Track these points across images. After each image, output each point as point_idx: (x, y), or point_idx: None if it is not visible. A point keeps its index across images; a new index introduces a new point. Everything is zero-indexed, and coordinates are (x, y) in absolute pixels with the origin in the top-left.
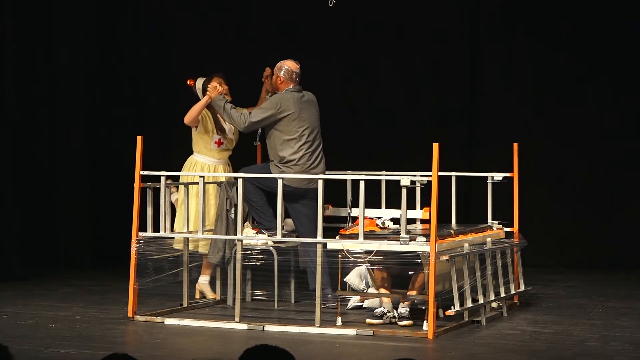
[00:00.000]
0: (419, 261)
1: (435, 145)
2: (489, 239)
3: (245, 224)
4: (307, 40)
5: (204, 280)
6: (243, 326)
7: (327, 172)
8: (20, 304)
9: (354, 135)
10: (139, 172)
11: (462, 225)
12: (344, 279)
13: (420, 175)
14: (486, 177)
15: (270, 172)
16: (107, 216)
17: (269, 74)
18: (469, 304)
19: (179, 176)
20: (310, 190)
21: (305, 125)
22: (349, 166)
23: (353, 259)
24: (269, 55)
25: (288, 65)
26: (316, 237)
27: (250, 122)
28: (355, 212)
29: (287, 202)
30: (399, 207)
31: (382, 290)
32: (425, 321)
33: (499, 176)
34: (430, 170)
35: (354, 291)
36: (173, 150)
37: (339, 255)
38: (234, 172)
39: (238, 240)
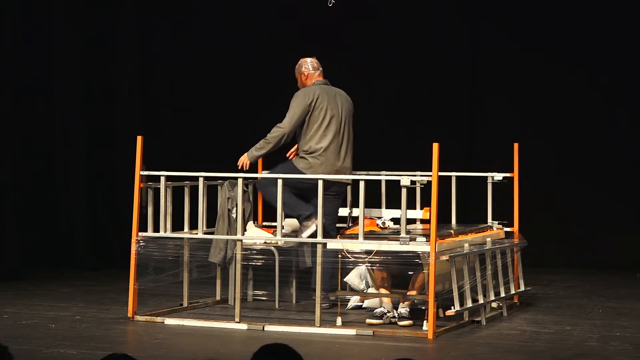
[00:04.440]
0: (419, 261)
1: (435, 145)
2: (489, 239)
3: (249, 223)
4: (305, 41)
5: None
6: (243, 326)
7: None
8: (20, 304)
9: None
10: (139, 172)
11: (462, 225)
12: (344, 279)
13: (420, 175)
14: (486, 177)
15: (293, 169)
16: (107, 216)
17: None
18: (469, 304)
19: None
20: (334, 185)
21: (333, 114)
22: None
23: (353, 259)
24: (268, 55)
25: (302, 62)
26: (316, 237)
27: (288, 123)
28: (355, 212)
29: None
30: (399, 207)
31: (382, 290)
32: (425, 321)
33: (499, 176)
34: (430, 170)
35: (354, 291)
36: (173, 150)
37: (339, 255)
38: None
39: (238, 240)
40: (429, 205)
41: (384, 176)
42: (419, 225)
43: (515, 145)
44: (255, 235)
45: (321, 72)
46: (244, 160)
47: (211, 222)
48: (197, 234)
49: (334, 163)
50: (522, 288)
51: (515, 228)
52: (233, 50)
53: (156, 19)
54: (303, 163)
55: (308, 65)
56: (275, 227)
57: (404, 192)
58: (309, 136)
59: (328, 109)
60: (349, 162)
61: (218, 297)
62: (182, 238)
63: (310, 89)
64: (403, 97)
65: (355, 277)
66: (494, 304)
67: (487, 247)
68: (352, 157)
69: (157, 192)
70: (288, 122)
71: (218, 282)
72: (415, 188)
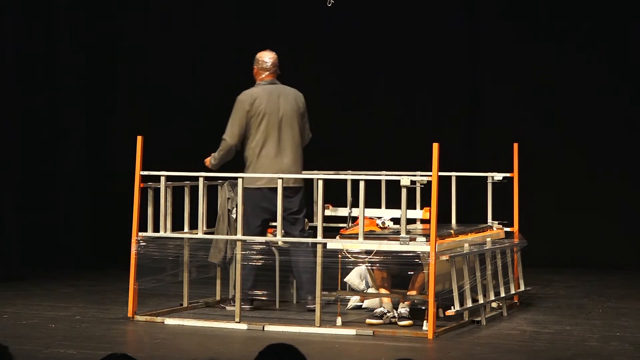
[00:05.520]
0: (419, 261)
1: (435, 145)
2: (489, 239)
3: None
4: (305, 40)
5: None
6: (243, 326)
7: (327, 172)
8: (20, 304)
9: (354, 135)
10: (139, 172)
11: (462, 225)
12: (344, 279)
13: (420, 175)
14: (486, 177)
15: (249, 195)
16: (107, 216)
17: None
18: (469, 304)
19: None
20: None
21: (271, 116)
22: (349, 166)
23: (353, 259)
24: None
25: (260, 56)
26: (316, 237)
27: (230, 135)
28: (355, 212)
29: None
30: (399, 207)
31: (382, 290)
32: (425, 321)
33: (499, 176)
34: (430, 170)
35: (354, 291)
36: (173, 150)
37: (339, 255)
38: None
39: (238, 240)
40: (429, 205)
41: (384, 176)
42: (419, 225)
43: (515, 145)
44: (255, 236)
45: (274, 72)
46: (207, 163)
47: (211, 222)
48: (197, 234)
49: (273, 164)
50: (522, 288)
51: (515, 228)
52: (233, 50)
53: (158, 19)
54: (250, 181)
55: (263, 63)
56: (275, 227)
57: (404, 192)
58: (248, 143)
59: (266, 112)
60: (290, 162)
61: (218, 297)
62: (182, 238)
63: (249, 93)
64: (403, 97)
65: (355, 277)
66: (494, 304)
67: (487, 247)
68: (297, 155)
69: (157, 192)
70: (230, 133)
71: (218, 282)
72: (415, 188)
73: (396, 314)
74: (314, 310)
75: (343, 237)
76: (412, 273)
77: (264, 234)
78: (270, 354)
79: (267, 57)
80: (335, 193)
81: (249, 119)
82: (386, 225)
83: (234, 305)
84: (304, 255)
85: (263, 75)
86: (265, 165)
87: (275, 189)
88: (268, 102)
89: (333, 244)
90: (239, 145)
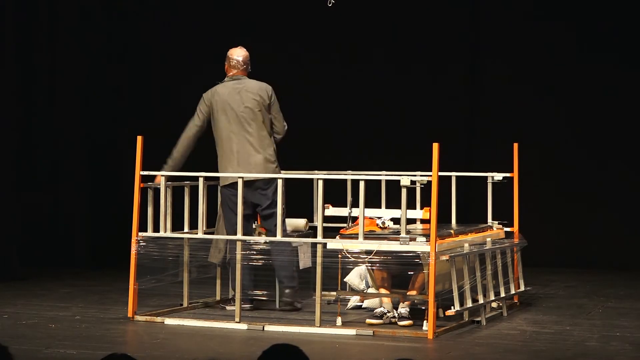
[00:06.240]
0: (419, 261)
1: (435, 145)
2: (489, 239)
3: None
4: (306, 40)
5: None
6: (243, 326)
7: (327, 172)
8: (20, 304)
9: (354, 135)
10: (139, 172)
11: (462, 225)
12: (344, 279)
13: (420, 175)
14: (486, 177)
15: (228, 196)
16: (107, 216)
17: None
18: (469, 304)
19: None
20: (256, 181)
21: (232, 113)
22: (349, 166)
23: (353, 259)
24: (268, 54)
25: (230, 53)
26: (316, 237)
27: (192, 124)
28: (355, 212)
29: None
30: (399, 207)
31: (382, 290)
32: (425, 321)
33: (499, 176)
34: (430, 170)
35: (354, 291)
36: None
37: (339, 255)
38: None
39: (238, 240)
40: (429, 205)
41: (384, 176)
42: (419, 225)
43: (515, 145)
44: (254, 236)
45: (244, 69)
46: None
47: (211, 222)
48: (197, 234)
49: (237, 158)
50: (522, 288)
51: (515, 228)
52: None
53: (160, 19)
54: (222, 180)
55: (233, 60)
56: (263, 224)
57: (404, 192)
58: (216, 140)
59: (225, 108)
60: (256, 153)
61: (218, 297)
62: (182, 238)
63: (210, 92)
64: (403, 97)
65: (355, 277)
66: (494, 304)
67: (487, 247)
68: (265, 147)
69: (157, 192)
70: (190, 126)
71: (218, 282)
72: (415, 188)
73: (396, 314)
74: (292, 302)
75: (343, 237)
76: (412, 273)
77: (251, 229)
78: (274, 354)
79: (237, 55)
80: (335, 193)
81: (211, 115)
82: (386, 225)
83: (234, 305)
84: (281, 253)
85: (232, 72)
86: (231, 161)
87: (245, 183)
88: (228, 97)
89: (333, 244)
90: (199, 130)
